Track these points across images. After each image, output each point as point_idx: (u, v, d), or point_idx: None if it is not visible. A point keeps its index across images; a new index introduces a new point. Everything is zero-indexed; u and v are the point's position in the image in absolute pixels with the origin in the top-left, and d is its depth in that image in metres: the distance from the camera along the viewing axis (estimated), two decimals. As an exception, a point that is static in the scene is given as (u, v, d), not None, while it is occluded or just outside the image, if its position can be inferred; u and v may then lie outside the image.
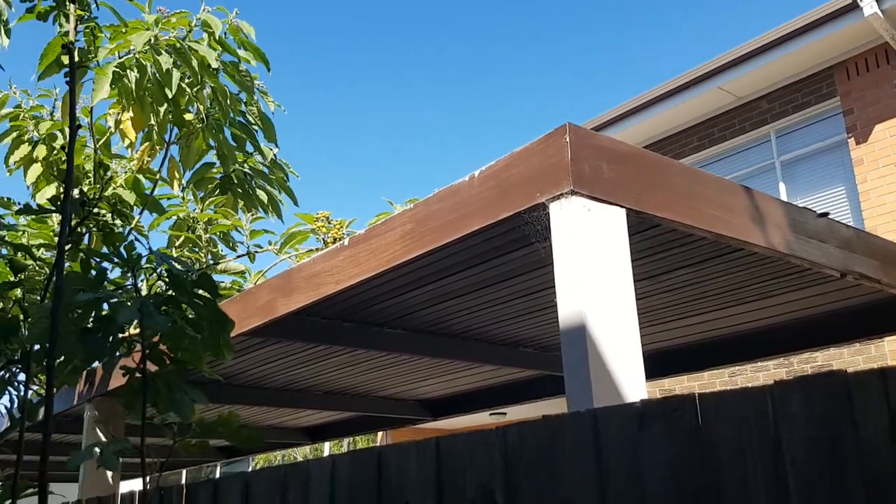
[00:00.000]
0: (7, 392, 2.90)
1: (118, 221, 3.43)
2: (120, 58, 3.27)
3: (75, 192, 3.48)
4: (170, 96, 3.27)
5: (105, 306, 2.21)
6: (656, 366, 4.74)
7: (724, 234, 2.51)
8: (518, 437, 1.52)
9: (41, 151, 3.92)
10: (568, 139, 2.14)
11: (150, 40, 3.27)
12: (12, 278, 3.04)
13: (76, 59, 2.53)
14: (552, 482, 1.44)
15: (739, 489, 1.21)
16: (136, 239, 3.07)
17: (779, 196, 8.69)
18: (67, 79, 2.45)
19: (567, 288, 2.10)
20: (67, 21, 2.56)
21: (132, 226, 3.71)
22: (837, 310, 4.05)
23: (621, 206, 2.21)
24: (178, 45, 3.34)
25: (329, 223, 5.20)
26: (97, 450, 2.11)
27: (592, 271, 2.08)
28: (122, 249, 2.20)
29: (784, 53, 8.52)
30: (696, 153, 9.72)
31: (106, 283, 2.18)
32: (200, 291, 2.11)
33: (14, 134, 3.94)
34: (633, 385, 2.06)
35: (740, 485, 1.21)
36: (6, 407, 2.94)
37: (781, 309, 4.04)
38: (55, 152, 3.87)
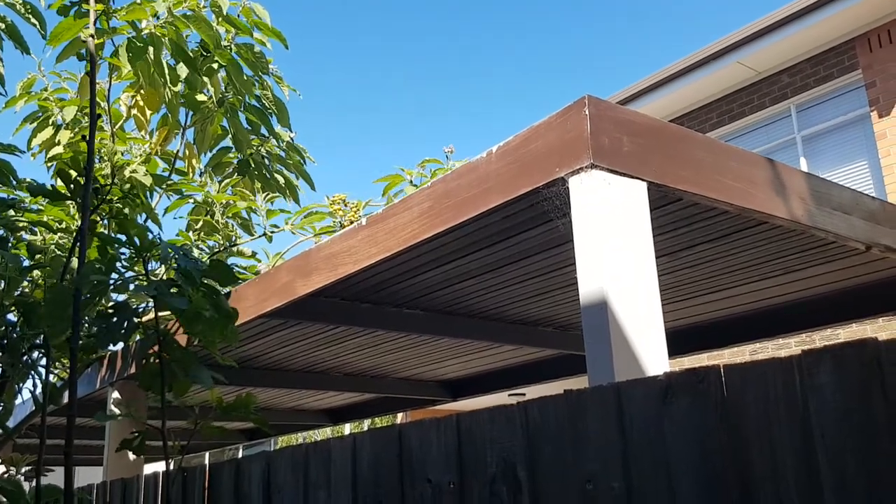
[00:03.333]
0: (30, 377, 2.93)
1: (129, 207, 3.44)
2: (136, 32, 3.25)
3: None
4: (191, 63, 3.26)
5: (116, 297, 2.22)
6: (677, 343, 4.70)
7: (747, 207, 2.47)
8: (539, 411, 1.51)
9: (64, 136, 3.93)
10: (587, 112, 2.10)
11: (164, 13, 3.26)
12: (30, 262, 3.05)
13: (94, 47, 2.53)
14: (575, 456, 1.43)
15: (767, 461, 1.18)
16: (147, 228, 3.06)
17: (800, 172, 8.57)
18: (87, 68, 2.45)
19: (587, 263, 2.07)
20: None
21: (147, 212, 3.71)
22: (862, 284, 3.99)
23: (642, 180, 2.17)
24: (193, 15, 3.32)
25: (345, 205, 5.18)
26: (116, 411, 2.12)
27: (613, 246, 2.05)
28: (135, 237, 2.20)
29: (805, 26, 8.37)
30: (716, 129, 9.61)
31: (120, 268, 2.19)
32: (209, 281, 2.11)
33: (40, 117, 3.96)
34: (656, 362, 2.03)
35: (768, 456, 1.18)
36: (31, 391, 2.97)
37: (805, 284, 3.98)
38: (75, 136, 3.88)
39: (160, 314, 2.16)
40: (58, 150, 3.95)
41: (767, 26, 8.56)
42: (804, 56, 8.83)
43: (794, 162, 8.86)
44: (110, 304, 2.28)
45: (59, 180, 3.93)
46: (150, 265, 2.23)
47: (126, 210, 3.07)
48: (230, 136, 3.98)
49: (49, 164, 4.01)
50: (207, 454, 15.29)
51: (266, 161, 4.25)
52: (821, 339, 8.10)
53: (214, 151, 4.26)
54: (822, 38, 8.56)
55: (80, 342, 2.08)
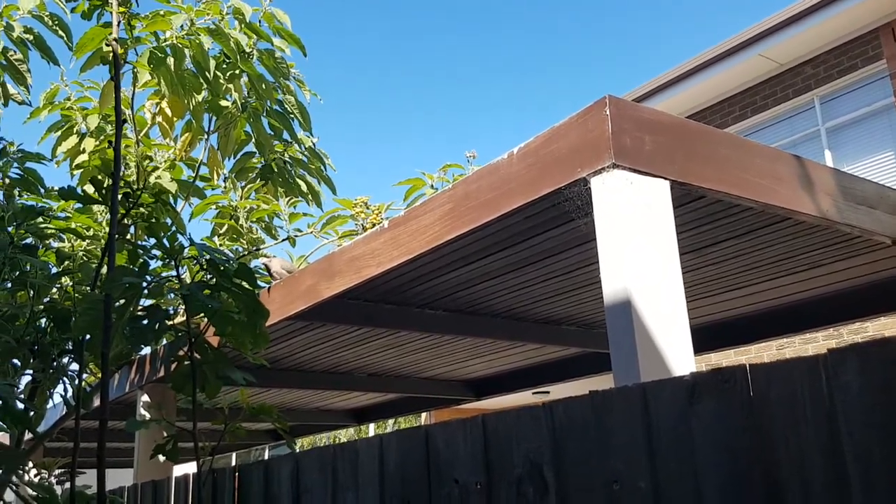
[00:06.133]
0: (61, 381, 2.98)
1: (158, 212, 3.48)
2: (158, 43, 3.30)
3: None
4: (209, 78, 3.30)
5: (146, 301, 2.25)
6: (703, 340, 4.68)
7: (771, 203, 2.45)
8: (565, 412, 1.51)
9: (89, 144, 3.99)
10: (608, 112, 2.10)
11: (186, 23, 3.30)
12: (58, 269, 3.11)
13: (118, 53, 2.57)
14: (601, 457, 1.43)
15: (794, 460, 1.18)
16: (177, 231, 3.11)
17: (825, 164, 8.47)
18: (112, 73, 2.49)
19: (611, 263, 2.07)
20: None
21: (173, 217, 3.76)
22: (888, 278, 3.95)
23: (665, 178, 2.17)
24: (214, 27, 3.37)
25: (367, 208, 5.21)
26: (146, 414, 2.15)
27: (636, 245, 2.05)
28: (164, 240, 2.24)
29: (827, 17, 8.27)
30: (739, 122, 9.52)
31: (148, 274, 2.23)
32: (243, 283, 2.14)
33: (64, 126, 4.02)
34: (681, 360, 2.03)
35: (795, 456, 1.18)
36: (61, 395, 3.03)
37: (830, 279, 3.95)
38: (99, 143, 3.94)
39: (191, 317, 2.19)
40: (83, 157, 4.01)
41: (789, 17, 8.47)
42: (827, 47, 8.73)
43: (819, 154, 8.76)
44: (140, 307, 2.32)
45: (89, 186, 4.01)
46: (181, 269, 2.26)
47: (156, 215, 3.12)
48: (253, 140, 4.02)
49: (74, 172, 4.08)
50: (234, 455, 15.43)
51: (289, 166, 4.29)
52: (848, 332, 8.00)
53: (238, 157, 4.30)
54: (845, 28, 8.46)
55: (115, 348, 2.12)
